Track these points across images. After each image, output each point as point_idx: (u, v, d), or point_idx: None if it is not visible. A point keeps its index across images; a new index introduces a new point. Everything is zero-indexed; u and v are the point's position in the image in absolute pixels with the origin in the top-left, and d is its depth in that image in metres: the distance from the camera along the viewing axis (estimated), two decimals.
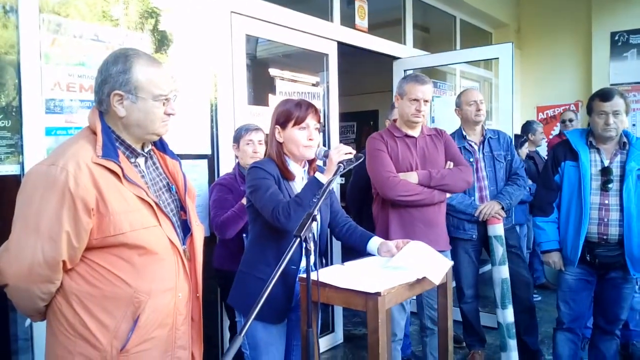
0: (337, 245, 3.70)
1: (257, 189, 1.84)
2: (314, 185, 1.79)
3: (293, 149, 1.91)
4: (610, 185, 2.45)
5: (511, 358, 3.02)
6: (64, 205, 1.28)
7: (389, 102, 3.38)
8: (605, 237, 2.47)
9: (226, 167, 2.87)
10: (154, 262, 1.40)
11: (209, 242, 2.30)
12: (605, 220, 2.46)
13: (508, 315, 3.03)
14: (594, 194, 2.49)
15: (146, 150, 1.51)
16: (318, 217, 1.67)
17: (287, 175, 1.92)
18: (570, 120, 4.67)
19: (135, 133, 1.44)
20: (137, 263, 1.36)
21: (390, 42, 4.34)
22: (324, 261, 2.04)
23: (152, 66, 1.42)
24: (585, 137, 2.58)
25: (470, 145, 3.25)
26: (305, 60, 3.93)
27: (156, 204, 1.42)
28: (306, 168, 2.01)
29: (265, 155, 2.02)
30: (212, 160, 2.88)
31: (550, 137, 5.74)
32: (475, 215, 3.10)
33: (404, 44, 4.60)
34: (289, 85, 3.52)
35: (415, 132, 2.70)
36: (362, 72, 5.87)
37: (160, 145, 1.59)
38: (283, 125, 1.91)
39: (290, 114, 1.89)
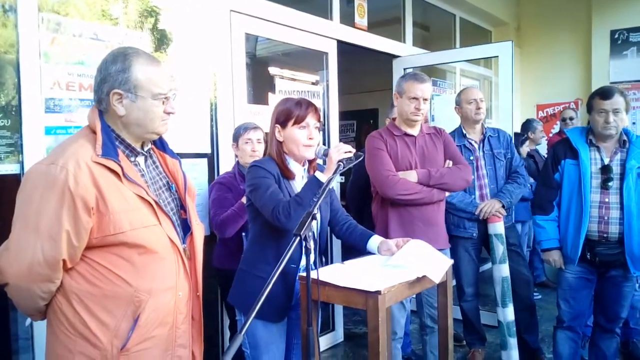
0: (337, 244, 3.70)
1: (257, 188, 1.84)
2: (314, 185, 1.79)
3: (293, 148, 1.91)
4: (610, 184, 2.45)
5: (511, 356, 3.02)
6: (63, 205, 1.28)
7: (388, 100, 3.37)
8: (605, 235, 2.47)
9: (226, 166, 2.87)
10: (154, 261, 1.40)
11: (208, 241, 2.30)
12: (606, 218, 2.46)
13: (508, 313, 3.03)
14: (594, 192, 2.49)
15: (146, 149, 1.51)
16: (318, 216, 1.67)
17: (287, 174, 1.92)
18: (571, 119, 4.67)
19: (135, 132, 1.44)
20: (137, 262, 1.37)
21: (390, 40, 4.33)
22: (324, 260, 2.04)
23: (151, 65, 1.42)
24: (585, 135, 2.58)
25: (470, 143, 3.25)
26: (305, 59, 3.93)
27: (156, 202, 1.42)
28: (306, 167, 2.01)
29: (264, 154, 2.02)
30: (212, 159, 2.88)
31: (550, 135, 5.74)
32: (476, 213, 3.10)
33: (404, 42, 4.59)
34: (289, 83, 3.51)
35: (414, 131, 2.70)
36: (362, 70, 5.87)
37: (160, 144, 1.59)
38: (283, 124, 1.91)
39: (290, 113, 1.89)
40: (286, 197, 1.83)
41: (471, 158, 3.19)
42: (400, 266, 1.81)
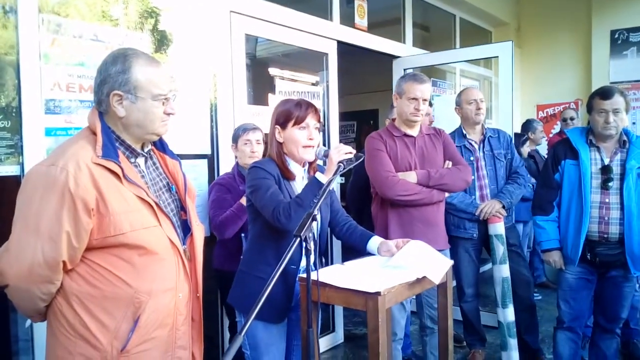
0: (337, 245, 3.70)
1: (258, 189, 1.84)
2: (314, 186, 1.79)
3: (293, 149, 1.91)
4: (610, 184, 2.45)
5: (512, 357, 3.02)
6: (64, 206, 1.28)
7: (388, 101, 3.37)
8: (605, 235, 2.47)
9: (226, 166, 2.87)
10: (154, 262, 1.40)
11: (208, 242, 2.30)
12: (606, 218, 2.46)
13: (508, 314, 3.03)
14: (594, 193, 2.48)
15: (146, 150, 1.51)
16: (318, 217, 1.67)
17: (288, 175, 1.92)
18: (572, 119, 4.67)
19: (135, 133, 1.44)
20: (138, 263, 1.36)
21: (390, 41, 4.34)
22: (324, 261, 2.04)
23: (151, 66, 1.42)
24: (585, 135, 2.58)
25: (471, 144, 3.25)
26: (305, 60, 3.92)
27: (156, 204, 1.42)
28: (306, 168, 2.01)
29: (264, 155, 2.02)
30: (212, 160, 2.88)
31: (550, 135, 5.74)
32: (476, 214, 3.10)
33: (404, 42, 4.59)
34: (289, 84, 3.51)
35: (414, 132, 2.70)
36: (362, 71, 5.87)
37: (160, 145, 1.59)
38: (283, 125, 1.91)
39: (290, 114, 1.89)
40: (286, 198, 1.83)
41: (471, 158, 3.19)
42: (400, 267, 1.81)
